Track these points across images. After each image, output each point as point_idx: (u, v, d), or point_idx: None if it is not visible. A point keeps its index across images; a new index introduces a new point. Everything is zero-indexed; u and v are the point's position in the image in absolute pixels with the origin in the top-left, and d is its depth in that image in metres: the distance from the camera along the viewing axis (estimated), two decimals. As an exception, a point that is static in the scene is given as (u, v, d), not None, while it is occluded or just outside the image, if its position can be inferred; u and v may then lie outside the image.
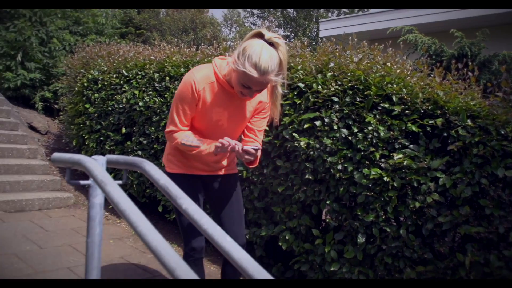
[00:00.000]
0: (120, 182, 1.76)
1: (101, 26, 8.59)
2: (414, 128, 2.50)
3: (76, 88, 5.19)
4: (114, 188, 1.34)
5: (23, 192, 4.71)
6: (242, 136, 2.24)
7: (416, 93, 2.58)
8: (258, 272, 1.15)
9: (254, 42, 1.85)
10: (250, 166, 2.16)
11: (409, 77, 2.74)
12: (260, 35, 1.88)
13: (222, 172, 2.31)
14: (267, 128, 3.04)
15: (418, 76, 2.73)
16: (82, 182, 1.68)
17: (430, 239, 2.47)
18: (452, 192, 2.33)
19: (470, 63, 2.81)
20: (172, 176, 2.23)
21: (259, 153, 2.07)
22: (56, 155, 1.68)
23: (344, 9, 18.34)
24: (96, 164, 1.48)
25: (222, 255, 1.30)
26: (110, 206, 4.79)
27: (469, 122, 2.37)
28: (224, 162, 2.30)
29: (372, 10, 6.78)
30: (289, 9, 18.32)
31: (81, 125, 5.08)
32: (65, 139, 6.20)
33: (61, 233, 3.85)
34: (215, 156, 2.14)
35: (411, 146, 2.53)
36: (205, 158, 2.21)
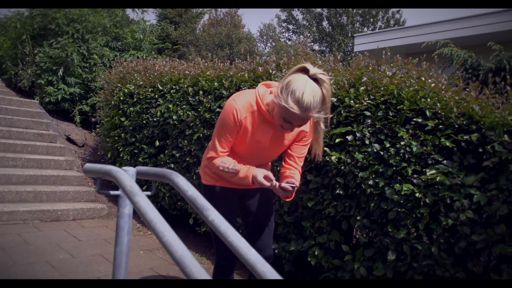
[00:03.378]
0: (149, 193, 1.79)
1: (139, 42, 8.82)
2: (448, 143, 2.44)
3: (112, 102, 5.34)
4: (142, 199, 1.36)
5: (58, 202, 4.86)
6: (283, 163, 2.25)
7: (450, 108, 2.52)
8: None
9: (298, 77, 1.85)
10: (287, 200, 2.16)
11: (443, 91, 2.69)
12: (305, 70, 1.87)
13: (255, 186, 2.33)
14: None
15: (453, 91, 2.67)
16: (112, 192, 1.72)
17: (463, 258, 2.38)
18: (487, 209, 2.25)
19: (508, 77, 2.73)
20: (208, 188, 2.26)
21: (296, 189, 2.08)
22: (88, 165, 1.73)
23: (379, 24, 18.27)
24: (126, 174, 1.51)
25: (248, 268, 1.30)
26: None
27: (506, 137, 2.29)
28: None
29: (407, 23, 6.70)
30: (324, 24, 18.38)
31: (116, 137, 5.21)
32: (101, 152, 6.36)
33: (93, 243, 3.93)
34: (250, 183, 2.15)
35: (445, 161, 2.47)
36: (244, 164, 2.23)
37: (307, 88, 1.81)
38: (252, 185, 2.09)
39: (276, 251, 3.24)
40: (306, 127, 2.15)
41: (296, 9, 18.97)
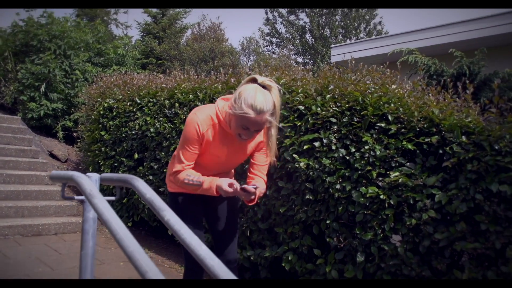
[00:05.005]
0: (113, 198, 1.85)
1: (122, 57, 8.89)
2: (410, 146, 2.53)
3: (93, 116, 5.38)
4: (100, 201, 1.43)
5: (40, 217, 4.85)
6: (248, 173, 2.34)
7: (412, 112, 2.62)
8: (230, 277, 1.20)
9: (249, 86, 2.01)
10: (249, 204, 2.23)
11: (406, 97, 2.78)
12: (254, 80, 2.03)
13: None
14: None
15: (415, 96, 2.76)
16: (76, 197, 1.78)
17: (428, 257, 2.45)
18: (448, 208, 2.33)
19: (467, 82, 2.83)
20: (174, 195, 2.33)
21: (258, 191, 2.15)
22: (54, 172, 1.79)
23: (362, 36, 18.55)
24: (87, 179, 1.57)
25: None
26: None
27: (463, 138, 2.38)
28: None
29: (384, 34, 6.89)
30: (307, 37, 18.62)
31: (97, 151, 5.24)
32: (83, 166, 6.37)
33: (74, 256, 3.94)
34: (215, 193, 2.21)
35: (408, 164, 2.55)
36: (207, 174, 2.29)
37: (258, 93, 1.96)
38: (216, 195, 2.15)
39: (252, 258, 3.29)
40: (262, 137, 2.25)
41: (279, 22, 19.24)
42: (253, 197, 2.11)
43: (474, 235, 2.28)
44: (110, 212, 1.37)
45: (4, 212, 4.66)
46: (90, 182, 1.57)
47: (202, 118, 2.10)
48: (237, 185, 2.06)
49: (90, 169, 5.51)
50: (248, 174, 2.34)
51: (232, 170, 2.52)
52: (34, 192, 5.19)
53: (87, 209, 1.75)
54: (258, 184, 2.19)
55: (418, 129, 2.59)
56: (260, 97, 1.95)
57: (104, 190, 5.00)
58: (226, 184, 2.06)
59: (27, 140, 6.49)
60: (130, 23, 36.73)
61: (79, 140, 6.54)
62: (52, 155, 7.02)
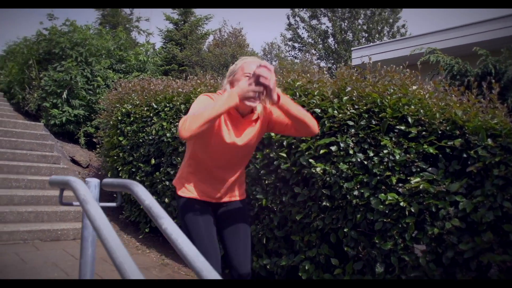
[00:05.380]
0: (114, 204, 1.78)
1: (143, 63, 8.93)
2: (431, 150, 2.38)
3: (111, 122, 5.38)
4: (93, 207, 1.37)
5: (59, 222, 4.87)
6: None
7: (433, 114, 2.47)
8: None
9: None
10: (273, 104, 1.96)
11: (427, 98, 2.64)
12: None
13: (229, 199, 2.29)
14: (284, 155, 3.00)
15: (436, 96, 2.62)
16: (74, 203, 1.71)
17: (452, 269, 2.30)
18: (473, 217, 2.18)
19: (493, 81, 2.67)
20: (182, 199, 2.23)
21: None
22: (52, 177, 1.74)
23: (385, 39, 18.27)
24: (82, 184, 1.51)
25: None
26: (140, 236, 4.85)
27: (489, 141, 2.23)
28: (230, 188, 2.27)
29: (406, 36, 6.72)
30: (330, 41, 18.44)
31: (115, 157, 5.23)
32: (102, 172, 6.39)
33: (89, 262, 3.91)
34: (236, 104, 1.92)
35: (430, 169, 2.41)
36: (215, 174, 2.19)
37: (244, 56, 2.13)
38: (239, 102, 1.86)
39: (268, 267, 3.18)
40: (261, 107, 2.12)
41: (301, 27, 19.11)
42: (267, 83, 1.81)
43: (502, 246, 2.12)
44: (102, 219, 1.31)
45: (25, 217, 4.70)
46: (85, 187, 1.51)
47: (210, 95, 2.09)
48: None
49: (108, 175, 5.51)
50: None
51: (242, 170, 2.31)
52: (54, 198, 5.21)
53: (86, 215, 1.68)
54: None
55: (440, 132, 2.45)
56: (246, 56, 2.14)
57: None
58: (244, 82, 1.85)
59: (49, 146, 6.56)
60: (152, 30, 37.24)
61: (98, 146, 6.57)
62: (74, 161, 7.07)
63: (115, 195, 1.88)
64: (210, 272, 1.19)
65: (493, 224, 2.16)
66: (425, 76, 3.59)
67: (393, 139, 2.54)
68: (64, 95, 7.51)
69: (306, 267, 2.89)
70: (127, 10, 13.73)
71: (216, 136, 2.08)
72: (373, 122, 2.63)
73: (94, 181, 1.67)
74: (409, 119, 2.51)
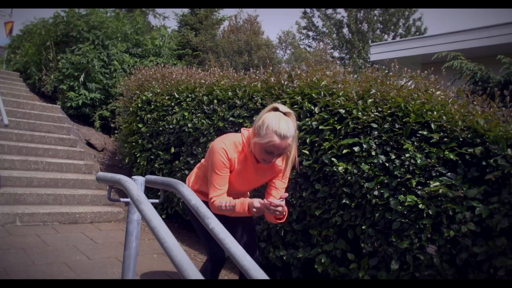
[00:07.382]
0: (157, 201, 1.90)
1: (159, 48, 9.00)
2: (452, 156, 2.48)
3: (131, 109, 5.48)
4: (147, 207, 1.47)
5: (77, 205, 5.01)
6: (266, 195, 2.43)
7: (455, 121, 2.57)
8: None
9: (271, 114, 2.16)
10: (280, 222, 2.29)
11: (450, 105, 2.73)
12: (275, 109, 2.18)
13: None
14: (307, 152, 3.11)
15: (459, 104, 2.71)
16: (122, 199, 1.82)
17: (464, 269, 2.42)
18: (488, 222, 2.29)
19: (516, 91, 2.75)
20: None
21: (285, 208, 2.19)
22: (100, 174, 1.84)
23: (401, 31, 18.18)
24: (134, 184, 1.62)
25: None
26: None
27: (509, 151, 2.33)
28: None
29: (429, 32, 6.73)
30: (344, 31, 18.37)
31: (133, 143, 5.35)
32: (119, 156, 6.51)
33: (109, 245, 4.05)
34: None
35: (449, 174, 2.51)
36: (235, 191, 2.45)
37: (281, 120, 2.11)
38: (249, 214, 2.21)
39: (284, 258, 3.31)
40: (279, 162, 2.36)
41: (317, 16, 19.03)
42: (280, 208, 2.09)
43: (516, 251, 2.24)
44: (157, 219, 1.41)
45: (44, 199, 4.83)
46: (136, 187, 1.61)
47: (228, 144, 2.25)
48: (265, 201, 2.11)
49: (126, 160, 5.63)
50: (266, 196, 2.42)
51: (248, 193, 2.69)
52: (71, 181, 5.35)
53: (131, 211, 1.80)
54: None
55: (461, 139, 2.55)
56: (283, 123, 2.10)
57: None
58: (257, 201, 2.14)
59: (66, 128, 6.69)
60: (168, 14, 37.13)
61: (116, 131, 6.68)
62: (89, 144, 7.19)
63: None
64: (257, 271, 1.30)
65: (507, 230, 2.27)
66: (447, 80, 3.63)
67: (415, 143, 2.64)
68: (81, 78, 7.61)
69: (322, 260, 3.02)
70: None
71: (235, 175, 2.33)
72: (396, 126, 2.73)
73: (140, 179, 1.78)
74: (432, 125, 2.61)
